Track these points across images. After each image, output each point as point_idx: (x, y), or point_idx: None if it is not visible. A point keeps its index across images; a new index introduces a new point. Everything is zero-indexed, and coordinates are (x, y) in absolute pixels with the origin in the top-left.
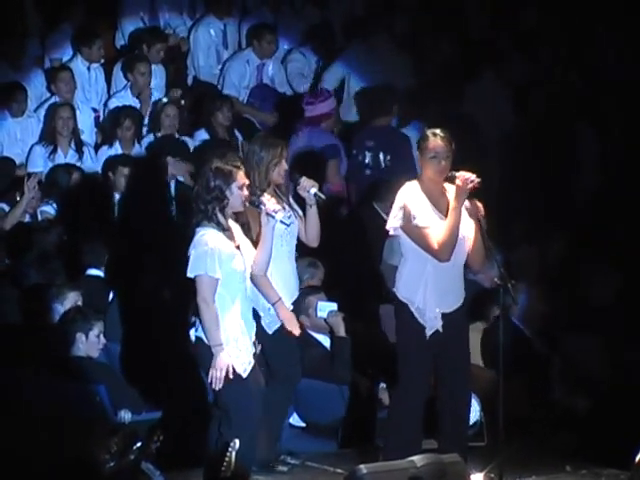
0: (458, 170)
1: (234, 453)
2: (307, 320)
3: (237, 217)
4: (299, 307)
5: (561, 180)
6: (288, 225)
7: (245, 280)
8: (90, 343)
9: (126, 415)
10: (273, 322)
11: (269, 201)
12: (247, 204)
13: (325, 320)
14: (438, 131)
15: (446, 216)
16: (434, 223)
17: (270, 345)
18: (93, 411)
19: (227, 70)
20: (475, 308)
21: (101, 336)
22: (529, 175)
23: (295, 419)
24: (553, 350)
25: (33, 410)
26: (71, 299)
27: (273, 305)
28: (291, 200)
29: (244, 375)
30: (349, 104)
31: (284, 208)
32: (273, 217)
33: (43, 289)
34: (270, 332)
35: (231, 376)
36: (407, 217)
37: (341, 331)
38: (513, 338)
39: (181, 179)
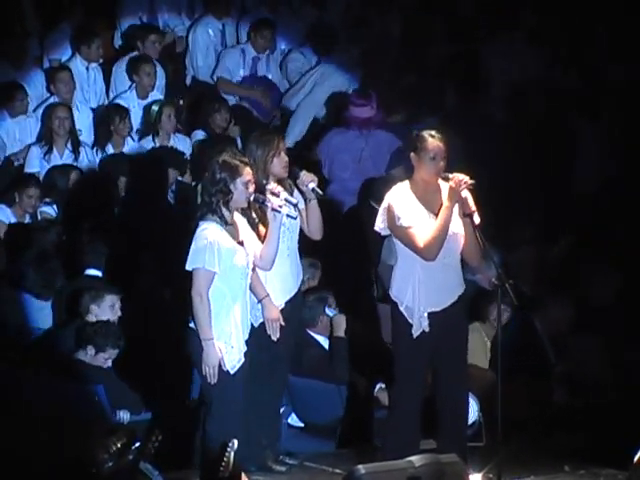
0: (452, 172)
1: (232, 453)
2: (324, 318)
3: (244, 211)
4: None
5: (561, 180)
6: (295, 218)
7: (246, 277)
8: (96, 358)
9: (125, 415)
10: (261, 316)
11: (273, 197)
12: (252, 200)
13: (331, 319)
14: (434, 132)
15: (437, 215)
16: (421, 222)
17: (255, 337)
18: (91, 411)
19: (222, 56)
20: (473, 308)
21: (109, 361)
22: (529, 175)
23: (293, 419)
24: (560, 353)
25: (32, 410)
26: (108, 301)
27: (260, 301)
28: (295, 193)
29: (232, 372)
30: None
31: (292, 194)
32: (279, 212)
33: (82, 290)
34: (256, 325)
35: (224, 368)
36: (391, 218)
37: (341, 331)
38: (527, 337)
39: (181, 178)
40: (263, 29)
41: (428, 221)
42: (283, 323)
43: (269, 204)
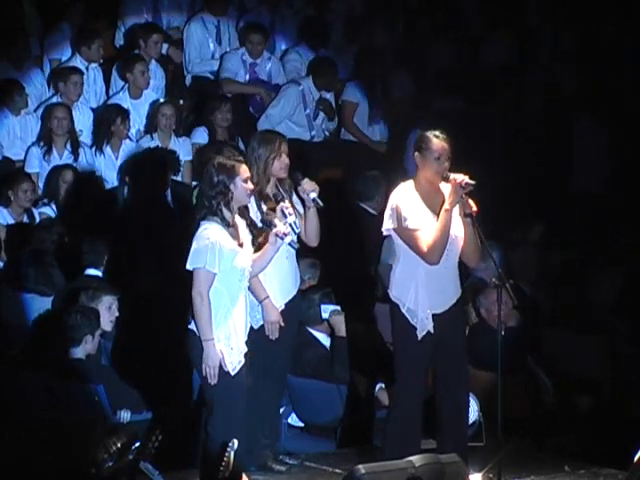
0: (453, 172)
1: (233, 453)
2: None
3: (243, 214)
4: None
5: (561, 180)
6: (295, 248)
7: (245, 278)
8: (94, 342)
9: (125, 415)
10: (260, 318)
11: (280, 223)
12: (259, 224)
13: (327, 321)
14: (438, 132)
15: (439, 216)
16: (426, 224)
17: (254, 339)
18: (92, 411)
19: (224, 60)
20: None
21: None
22: (529, 175)
23: (294, 419)
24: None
25: (32, 410)
26: (105, 302)
27: (260, 303)
28: (294, 198)
29: (232, 373)
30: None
31: (291, 197)
32: (282, 239)
33: (79, 290)
34: (255, 327)
35: (225, 369)
36: (399, 219)
37: (342, 330)
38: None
39: (175, 177)
40: (251, 35)
41: (432, 223)
42: (283, 324)
43: (274, 229)
